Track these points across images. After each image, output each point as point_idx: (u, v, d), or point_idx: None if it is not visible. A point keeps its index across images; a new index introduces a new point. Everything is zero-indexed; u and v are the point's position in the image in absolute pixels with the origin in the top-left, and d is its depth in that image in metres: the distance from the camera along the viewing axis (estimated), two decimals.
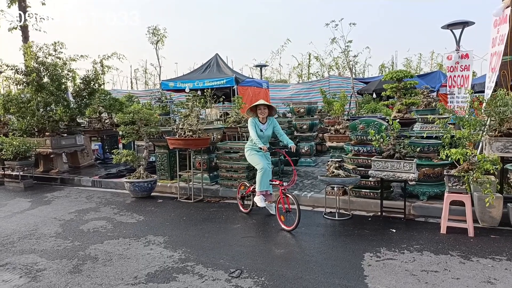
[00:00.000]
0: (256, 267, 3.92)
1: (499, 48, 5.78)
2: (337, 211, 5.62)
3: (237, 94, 13.89)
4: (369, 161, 5.97)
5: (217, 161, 7.28)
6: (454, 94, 9.65)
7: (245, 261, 4.09)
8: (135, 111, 7.28)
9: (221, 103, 17.38)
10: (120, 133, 7.53)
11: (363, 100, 16.83)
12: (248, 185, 5.92)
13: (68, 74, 9.56)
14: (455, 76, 9.61)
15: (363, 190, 6.08)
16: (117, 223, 5.58)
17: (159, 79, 18.47)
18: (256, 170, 5.46)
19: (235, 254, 4.29)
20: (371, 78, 18.66)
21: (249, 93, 14.85)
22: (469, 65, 9.43)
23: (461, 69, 9.47)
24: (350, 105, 18.11)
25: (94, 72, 9.29)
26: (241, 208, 6.03)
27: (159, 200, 7.01)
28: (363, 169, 6.02)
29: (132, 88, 24.95)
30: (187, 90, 13.55)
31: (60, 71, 9.25)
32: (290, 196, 5.03)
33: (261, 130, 5.48)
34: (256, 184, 5.40)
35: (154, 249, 4.52)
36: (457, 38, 9.65)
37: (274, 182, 5.33)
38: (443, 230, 4.79)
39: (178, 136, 6.82)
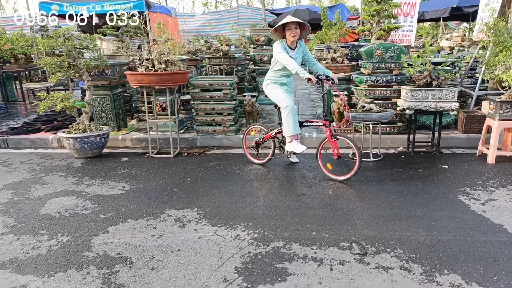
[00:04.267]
0: (369, 235, 2.97)
1: None
2: (371, 151, 4.89)
3: (149, 21, 11.57)
4: (388, 92, 5.34)
5: (193, 102, 5.69)
6: (399, 23, 9.55)
7: (342, 228, 3.09)
8: (67, 35, 5.01)
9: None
10: (45, 68, 5.20)
11: None
12: (265, 129, 4.69)
13: None
14: (400, 3, 9.42)
15: (376, 126, 5.46)
16: (96, 198, 3.83)
17: (26, 2, 14.27)
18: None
19: (318, 220, 3.23)
20: (282, 9, 17.82)
21: (159, 21, 12.53)
22: None
23: None
24: None
25: None
26: (251, 158, 4.81)
27: (122, 158, 5.21)
28: (380, 101, 5.35)
29: None
30: (85, 15, 10.57)
31: None
32: (344, 138, 4.06)
33: (291, 58, 4.19)
34: (285, 126, 4.22)
35: (199, 230, 3.13)
36: None
37: (317, 123, 4.24)
38: (491, 160, 4.53)
39: (145, 70, 4.98)
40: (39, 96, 5.12)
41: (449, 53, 10.61)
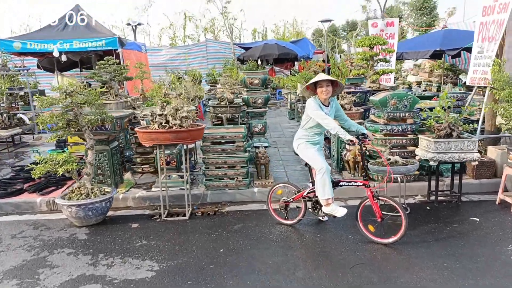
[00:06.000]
0: None
1: (500, 16, 5.77)
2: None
3: (123, 59, 11.08)
4: (404, 140, 5.35)
5: (204, 156, 5.34)
6: (379, 63, 9.87)
7: None
8: (69, 91, 4.51)
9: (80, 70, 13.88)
10: (41, 127, 4.62)
11: (247, 66, 16.03)
12: (293, 187, 4.45)
13: None
14: (390, 45, 9.77)
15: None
16: (126, 286, 3.33)
17: None
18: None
19: None
20: (251, 43, 17.96)
21: (132, 58, 12.08)
22: (394, 33, 9.73)
23: (386, 37, 9.69)
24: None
25: None
26: (277, 218, 4.53)
27: (132, 224, 4.69)
28: (396, 150, 5.33)
29: None
30: (55, 53, 9.92)
31: None
32: (386, 199, 3.90)
33: (327, 116, 4.00)
34: (319, 189, 3.98)
35: None
36: (382, 6, 9.79)
37: (356, 183, 4.06)
38: None
39: (158, 127, 4.58)
40: (36, 158, 4.52)
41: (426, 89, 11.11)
